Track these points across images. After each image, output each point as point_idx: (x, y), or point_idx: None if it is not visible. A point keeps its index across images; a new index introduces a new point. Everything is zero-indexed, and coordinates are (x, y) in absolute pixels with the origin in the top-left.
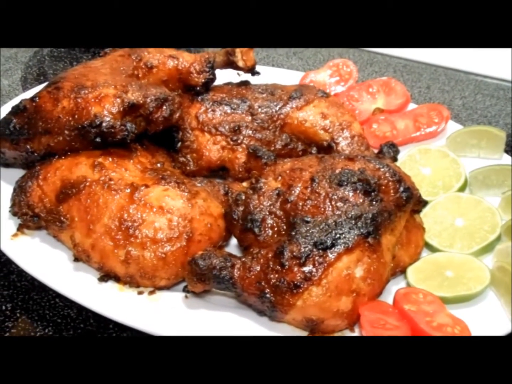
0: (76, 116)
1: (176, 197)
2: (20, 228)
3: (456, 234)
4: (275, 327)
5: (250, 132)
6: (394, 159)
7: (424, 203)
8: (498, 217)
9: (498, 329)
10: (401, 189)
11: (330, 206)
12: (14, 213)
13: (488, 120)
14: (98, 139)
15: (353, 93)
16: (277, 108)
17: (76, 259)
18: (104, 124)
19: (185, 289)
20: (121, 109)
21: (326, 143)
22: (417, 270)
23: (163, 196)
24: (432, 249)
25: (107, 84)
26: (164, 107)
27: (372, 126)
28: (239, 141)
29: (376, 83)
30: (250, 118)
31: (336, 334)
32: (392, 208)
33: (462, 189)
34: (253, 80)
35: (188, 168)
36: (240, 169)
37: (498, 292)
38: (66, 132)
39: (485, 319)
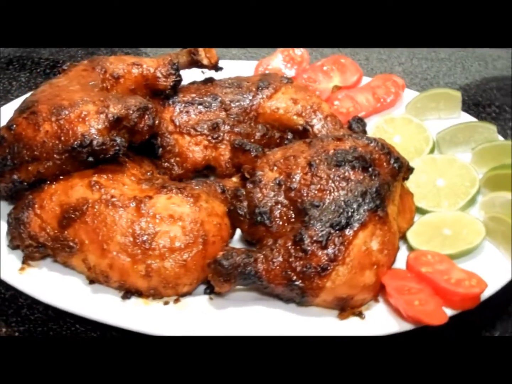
0: (62, 139)
1: (182, 203)
2: (25, 260)
3: (440, 193)
4: (304, 311)
5: (228, 127)
6: (364, 132)
7: (412, 169)
8: (474, 171)
9: (502, 277)
10: (392, 160)
11: (335, 187)
12: (14, 247)
13: (429, 82)
14: (90, 158)
15: (310, 75)
16: (248, 100)
17: (92, 282)
18: (94, 143)
19: (206, 292)
20: (107, 124)
21: (301, 127)
22: (416, 233)
23: (170, 204)
24: (422, 211)
25: (85, 101)
26: (146, 116)
27: (334, 104)
28: (220, 138)
29: (327, 62)
30: (224, 113)
31: (362, 308)
32: (389, 179)
33: (432, 151)
34: (214, 75)
35: (173, 172)
36: (227, 165)
37: (495, 241)
38: (56, 156)
39: (487, 269)
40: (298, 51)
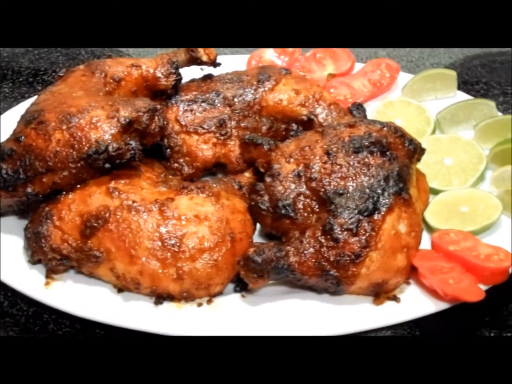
0: (76, 147)
1: (205, 203)
2: (49, 274)
3: (449, 172)
4: (339, 300)
5: (235, 123)
6: (365, 117)
7: (424, 150)
8: (479, 148)
9: None
10: (407, 142)
11: (356, 174)
12: (35, 262)
13: (415, 64)
14: (107, 165)
15: (303, 65)
16: (250, 94)
17: (120, 290)
18: (110, 148)
19: (237, 290)
20: (119, 128)
21: (305, 118)
22: (433, 213)
23: (193, 205)
24: (434, 191)
25: (93, 106)
26: (157, 118)
27: (331, 92)
28: (228, 134)
29: (319, 50)
30: (229, 109)
31: (396, 291)
32: (407, 162)
33: (433, 131)
34: (212, 71)
35: (183, 172)
36: (238, 161)
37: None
38: (72, 165)
39: (508, 242)
40: None
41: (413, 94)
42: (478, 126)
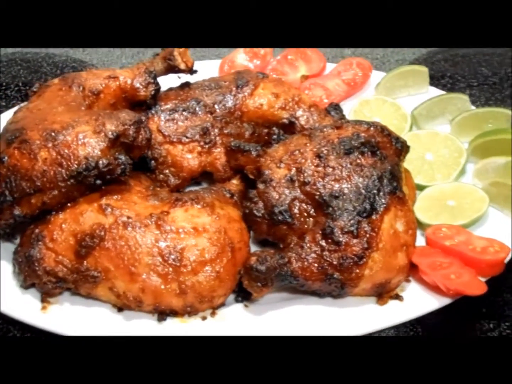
0: (64, 164)
1: (201, 214)
2: (44, 298)
3: (432, 167)
4: (342, 303)
5: (218, 130)
6: (343, 117)
7: (409, 148)
8: (458, 142)
9: None
10: (394, 141)
11: (350, 175)
12: (28, 286)
13: (380, 61)
14: (98, 181)
15: (277, 67)
16: (230, 100)
17: (120, 309)
18: (100, 164)
19: (238, 300)
20: (108, 143)
21: (287, 121)
22: (422, 209)
23: (189, 217)
24: (419, 187)
25: (78, 122)
26: (142, 130)
27: (305, 94)
28: (212, 142)
29: (291, 53)
30: (211, 116)
31: (397, 290)
32: (396, 160)
33: (411, 128)
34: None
35: (170, 183)
36: (225, 169)
37: (498, 205)
38: (61, 183)
39: (498, 233)
40: None
41: (386, 92)
42: (455, 120)
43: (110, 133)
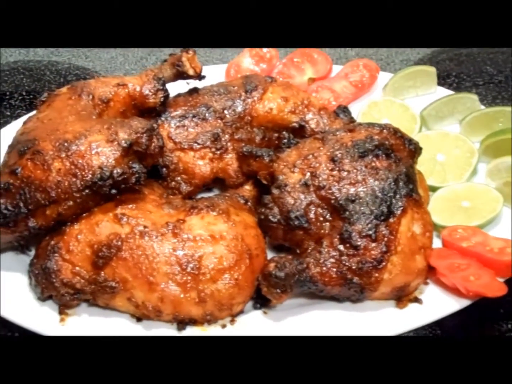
0: (79, 175)
1: (217, 221)
2: (62, 310)
3: (443, 168)
4: (361, 307)
5: (228, 136)
6: (352, 120)
7: (421, 149)
8: (469, 141)
9: None
10: (407, 143)
11: (366, 178)
12: (45, 299)
13: (385, 62)
14: (113, 191)
15: (283, 70)
16: (240, 105)
17: (139, 319)
18: (115, 174)
19: (256, 307)
20: (121, 152)
21: (297, 125)
22: (436, 210)
23: (206, 224)
24: (431, 188)
25: (90, 131)
26: (155, 137)
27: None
28: (223, 148)
29: (296, 55)
30: (221, 122)
31: (416, 293)
32: (410, 162)
33: (420, 129)
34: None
35: (182, 190)
36: (237, 175)
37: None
38: (76, 194)
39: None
40: (265, 48)
41: (394, 93)
42: (465, 120)
43: (123, 141)
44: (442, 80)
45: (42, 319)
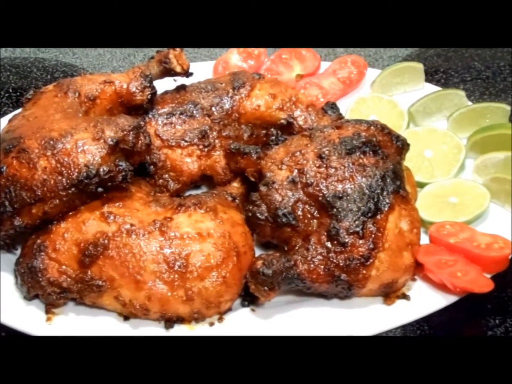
0: (65, 173)
1: (204, 219)
2: (49, 309)
3: (431, 164)
4: (349, 304)
5: (216, 133)
6: (340, 116)
7: (409, 145)
8: (456, 138)
9: None
10: (394, 139)
11: (353, 175)
12: (31, 298)
13: (373, 58)
14: (100, 189)
15: (271, 67)
16: (227, 102)
17: (126, 317)
18: (101, 172)
19: (244, 305)
20: (107, 150)
21: (285, 122)
22: (424, 207)
23: (193, 222)
24: (419, 184)
25: (76, 129)
26: (142, 135)
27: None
28: (211, 145)
29: (284, 51)
30: (208, 119)
31: (403, 289)
32: (398, 159)
33: (408, 125)
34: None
35: (169, 188)
36: (225, 172)
37: (499, 200)
38: (62, 192)
39: (500, 229)
40: None
41: (382, 89)
42: (452, 116)
43: (109, 139)
44: (430, 76)
45: (28, 319)
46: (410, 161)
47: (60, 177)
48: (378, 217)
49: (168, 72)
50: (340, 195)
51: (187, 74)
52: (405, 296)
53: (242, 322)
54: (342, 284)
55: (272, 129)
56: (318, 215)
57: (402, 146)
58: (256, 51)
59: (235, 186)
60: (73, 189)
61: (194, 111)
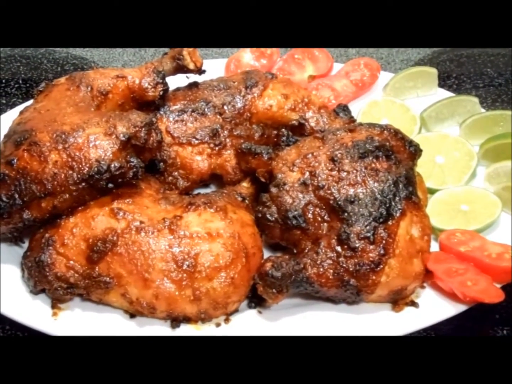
0: (76, 168)
1: (214, 218)
2: (55, 304)
3: (442, 170)
4: (357, 310)
5: (227, 132)
6: (351, 119)
7: (421, 151)
8: (468, 144)
9: None
10: (407, 144)
11: (365, 180)
12: (38, 292)
13: (385, 61)
14: (110, 185)
15: (283, 67)
16: (240, 101)
17: (132, 315)
18: (112, 167)
19: (251, 306)
20: (119, 146)
21: (296, 123)
22: (435, 213)
23: (203, 221)
24: (430, 190)
25: (88, 124)
26: (153, 132)
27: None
28: (222, 144)
29: (297, 52)
30: (220, 118)
31: (412, 297)
32: (411, 164)
33: (420, 130)
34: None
35: (178, 185)
36: (235, 171)
37: (510, 210)
38: (72, 187)
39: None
40: None
41: (395, 93)
42: (465, 123)
43: (121, 135)
44: (442, 81)
45: (33, 313)
46: (421, 167)
47: (70, 172)
48: (390, 222)
49: (181, 68)
50: (352, 199)
51: (200, 71)
52: (413, 304)
53: (248, 324)
54: (351, 289)
55: (283, 130)
56: (328, 219)
57: (415, 152)
58: (268, 50)
59: (245, 186)
60: (83, 184)
61: (206, 109)
